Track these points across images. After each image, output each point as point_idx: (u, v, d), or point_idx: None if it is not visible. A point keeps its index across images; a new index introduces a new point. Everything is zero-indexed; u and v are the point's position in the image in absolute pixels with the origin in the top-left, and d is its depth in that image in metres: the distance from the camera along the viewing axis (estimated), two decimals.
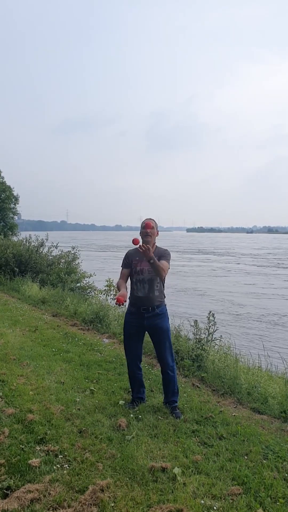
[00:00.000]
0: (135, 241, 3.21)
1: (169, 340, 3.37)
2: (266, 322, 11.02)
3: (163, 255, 3.32)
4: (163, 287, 3.41)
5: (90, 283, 10.97)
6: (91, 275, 11.23)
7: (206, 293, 16.31)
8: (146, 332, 3.41)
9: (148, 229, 3.27)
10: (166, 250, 3.39)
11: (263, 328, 10.30)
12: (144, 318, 3.30)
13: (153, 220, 3.38)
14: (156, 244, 3.37)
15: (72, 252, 11.76)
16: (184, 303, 13.53)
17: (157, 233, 3.38)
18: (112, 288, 7.71)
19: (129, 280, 3.41)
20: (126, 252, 3.45)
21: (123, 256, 3.43)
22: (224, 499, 2.20)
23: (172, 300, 13.75)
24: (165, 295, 3.44)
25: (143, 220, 3.40)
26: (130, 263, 3.35)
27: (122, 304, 2.99)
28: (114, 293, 7.67)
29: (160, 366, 3.44)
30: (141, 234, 3.35)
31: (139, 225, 3.45)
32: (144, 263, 3.28)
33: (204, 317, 4.98)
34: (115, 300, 2.98)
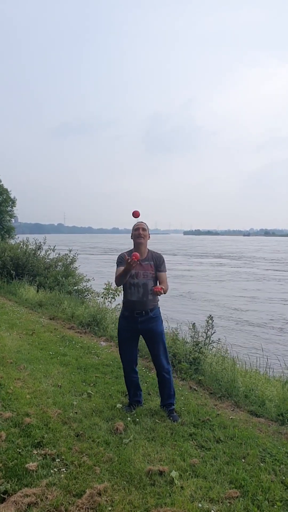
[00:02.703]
0: (135, 214, 3.19)
1: (163, 343, 3.36)
2: (265, 326, 11.04)
3: (160, 263, 3.30)
4: None
5: (87, 287, 10.94)
6: (89, 280, 11.20)
7: (212, 297, 16.11)
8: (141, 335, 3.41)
9: (137, 216, 3.24)
10: (161, 255, 3.37)
11: (262, 332, 10.31)
12: (138, 322, 3.28)
13: (144, 223, 3.35)
14: (148, 248, 3.35)
15: (70, 255, 11.74)
16: (187, 307, 13.49)
17: (149, 237, 3.36)
18: (111, 291, 7.68)
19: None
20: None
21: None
22: (221, 502, 2.20)
23: (175, 303, 13.76)
24: (159, 298, 3.41)
25: (135, 223, 3.38)
26: (125, 263, 3.30)
27: (138, 260, 2.99)
28: (112, 296, 7.64)
29: (156, 369, 3.44)
30: (134, 237, 3.31)
31: None
32: (139, 267, 3.25)
33: (204, 321, 4.98)
34: (131, 258, 2.94)
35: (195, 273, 26.33)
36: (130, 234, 3.36)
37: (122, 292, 3.41)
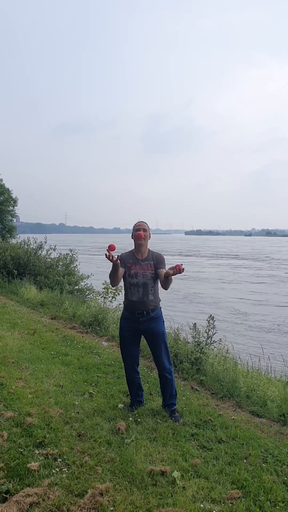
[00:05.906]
0: (111, 248, 2.90)
1: (165, 343, 3.36)
2: (266, 327, 11.00)
3: (160, 261, 3.29)
4: (158, 290, 3.37)
5: (88, 285, 10.95)
6: (88, 276, 11.21)
7: (223, 300, 15.81)
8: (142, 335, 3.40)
9: (140, 238, 3.23)
10: (161, 254, 3.37)
11: (263, 332, 10.28)
12: (139, 322, 3.28)
13: (145, 223, 3.35)
14: (149, 248, 3.36)
15: (70, 254, 11.76)
16: (191, 309, 13.43)
17: (149, 237, 3.36)
18: (109, 291, 7.67)
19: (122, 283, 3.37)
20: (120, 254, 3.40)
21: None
22: (223, 503, 2.20)
23: (180, 305, 13.71)
24: (160, 298, 3.40)
25: (135, 223, 3.37)
26: (124, 263, 3.29)
27: (113, 251, 2.87)
28: (112, 295, 7.63)
29: (157, 369, 3.44)
30: (134, 237, 3.30)
31: None
32: (139, 267, 3.25)
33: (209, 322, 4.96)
34: (108, 250, 2.84)
35: (215, 275, 25.63)
36: (131, 234, 3.36)
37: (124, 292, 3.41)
